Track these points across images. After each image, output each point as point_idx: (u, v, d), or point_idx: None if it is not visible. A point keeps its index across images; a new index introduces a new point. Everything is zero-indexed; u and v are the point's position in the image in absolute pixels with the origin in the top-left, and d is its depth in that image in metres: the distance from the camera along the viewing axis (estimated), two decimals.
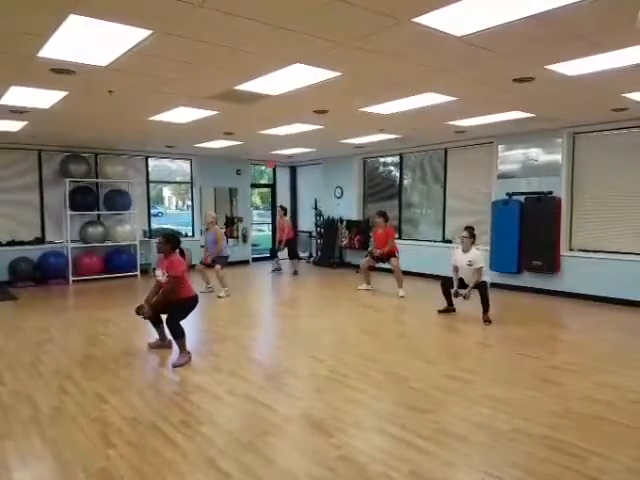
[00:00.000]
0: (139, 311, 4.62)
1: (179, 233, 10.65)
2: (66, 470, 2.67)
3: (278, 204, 11.28)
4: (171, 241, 4.66)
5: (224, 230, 8.70)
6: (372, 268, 8.26)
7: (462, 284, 6.13)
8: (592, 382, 3.96)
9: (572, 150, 7.51)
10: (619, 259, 6.93)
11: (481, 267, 5.95)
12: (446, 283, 6.33)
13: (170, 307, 4.58)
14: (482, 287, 5.88)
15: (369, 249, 8.57)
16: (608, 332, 5.60)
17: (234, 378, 4.09)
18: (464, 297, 6.02)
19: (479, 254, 6.03)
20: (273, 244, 10.88)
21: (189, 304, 4.66)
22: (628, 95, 5.33)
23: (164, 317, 4.68)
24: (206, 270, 7.87)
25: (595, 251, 7.27)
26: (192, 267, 8.13)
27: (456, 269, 6.16)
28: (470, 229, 6.15)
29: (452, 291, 6.16)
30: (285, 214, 10.32)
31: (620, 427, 3.17)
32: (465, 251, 6.04)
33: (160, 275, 4.60)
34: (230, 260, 8.18)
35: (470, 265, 5.94)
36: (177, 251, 4.67)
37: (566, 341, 5.50)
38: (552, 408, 3.45)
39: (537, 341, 5.17)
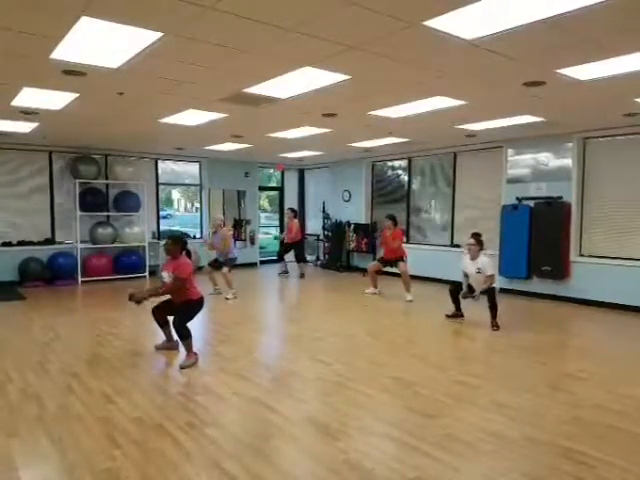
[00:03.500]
0: (131, 298, 4.50)
1: (187, 235, 10.70)
2: (71, 470, 2.67)
3: (286, 207, 11.30)
4: (179, 243, 4.69)
5: (232, 232, 8.70)
6: (379, 272, 8.21)
7: (471, 289, 5.96)
8: (602, 390, 3.90)
9: (583, 155, 7.44)
10: (631, 265, 6.85)
11: (492, 275, 5.79)
12: (455, 288, 6.17)
13: (176, 309, 4.61)
14: (491, 293, 5.75)
15: (378, 257, 8.49)
16: (618, 339, 5.53)
17: (240, 380, 4.08)
18: (474, 298, 5.81)
19: (487, 261, 5.85)
20: (280, 247, 10.91)
21: (195, 306, 4.67)
22: None
23: (169, 318, 4.71)
24: (214, 272, 7.90)
25: (606, 257, 7.19)
26: (200, 269, 8.14)
27: (466, 275, 6.03)
28: (477, 236, 5.94)
29: (461, 293, 5.98)
30: (295, 217, 10.35)
31: (632, 436, 3.12)
32: (473, 259, 5.87)
33: (166, 277, 4.62)
34: (238, 262, 8.20)
35: (479, 273, 5.78)
36: (184, 253, 4.70)
37: (575, 348, 5.44)
38: (562, 416, 3.40)
39: (546, 347, 5.11)
